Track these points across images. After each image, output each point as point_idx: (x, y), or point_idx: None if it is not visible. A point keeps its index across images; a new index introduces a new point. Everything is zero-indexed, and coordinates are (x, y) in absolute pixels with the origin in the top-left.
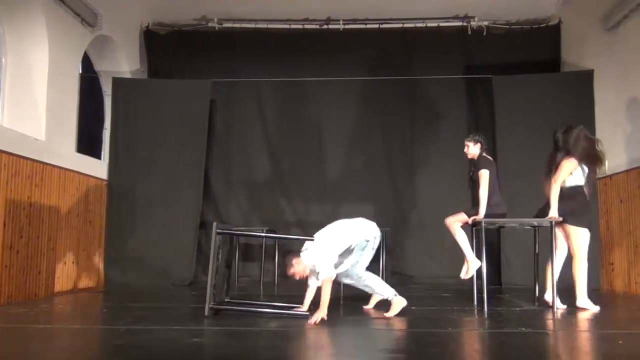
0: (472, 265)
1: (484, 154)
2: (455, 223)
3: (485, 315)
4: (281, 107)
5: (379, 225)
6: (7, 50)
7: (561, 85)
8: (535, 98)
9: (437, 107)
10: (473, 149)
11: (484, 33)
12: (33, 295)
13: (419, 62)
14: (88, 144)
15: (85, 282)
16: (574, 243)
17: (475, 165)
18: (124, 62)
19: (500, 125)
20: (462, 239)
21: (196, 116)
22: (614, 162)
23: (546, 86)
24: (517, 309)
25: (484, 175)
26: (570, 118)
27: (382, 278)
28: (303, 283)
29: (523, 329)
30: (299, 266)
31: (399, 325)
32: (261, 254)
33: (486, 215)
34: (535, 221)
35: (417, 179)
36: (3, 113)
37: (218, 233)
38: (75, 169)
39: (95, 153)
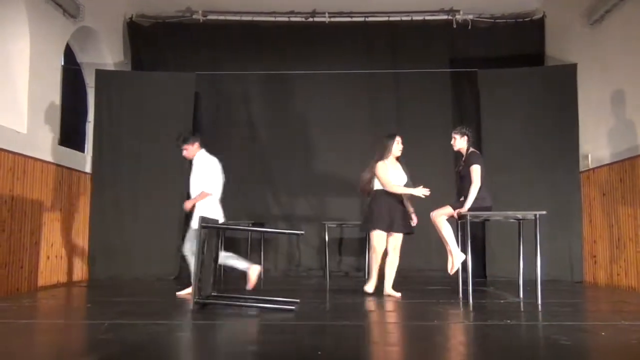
0: (457, 259)
1: (472, 148)
2: (441, 216)
3: (471, 308)
4: (267, 100)
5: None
6: None
7: (545, 78)
8: (520, 91)
9: (422, 100)
10: (460, 142)
11: (469, 26)
12: (15, 289)
13: (404, 55)
14: (71, 136)
15: (69, 277)
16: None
17: (464, 159)
18: (107, 54)
19: (485, 118)
20: (448, 233)
21: (181, 109)
22: (596, 155)
23: (530, 80)
24: (502, 301)
25: (476, 170)
26: (554, 111)
27: (368, 272)
28: (289, 277)
29: (508, 321)
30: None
31: (385, 318)
32: (247, 247)
33: (472, 209)
34: (520, 214)
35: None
36: None
37: (203, 227)
38: (58, 162)
39: (79, 146)
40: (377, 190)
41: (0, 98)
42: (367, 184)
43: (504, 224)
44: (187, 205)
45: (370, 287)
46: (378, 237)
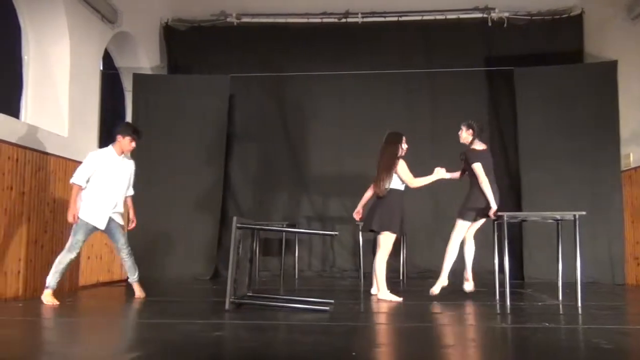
0: (441, 283)
1: (474, 144)
2: (459, 237)
3: (508, 310)
4: (300, 102)
5: None
6: (29, 47)
7: (584, 76)
8: (558, 89)
9: (457, 99)
10: (464, 135)
11: (505, 24)
12: (58, 289)
13: (438, 55)
14: (109, 139)
15: (108, 276)
16: None
17: (464, 154)
18: (144, 58)
19: (522, 117)
20: (452, 254)
21: (216, 111)
22: (639, 154)
23: (569, 78)
24: (540, 303)
25: (478, 168)
26: (593, 109)
27: (403, 272)
28: (323, 278)
29: (546, 324)
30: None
31: (420, 320)
32: (281, 248)
33: (477, 207)
34: (558, 214)
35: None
36: (27, 110)
37: (238, 227)
38: None
39: None
40: (392, 190)
41: (42, 103)
42: (384, 185)
43: (541, 224)
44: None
45: (375, 289)
46: (392, 239)
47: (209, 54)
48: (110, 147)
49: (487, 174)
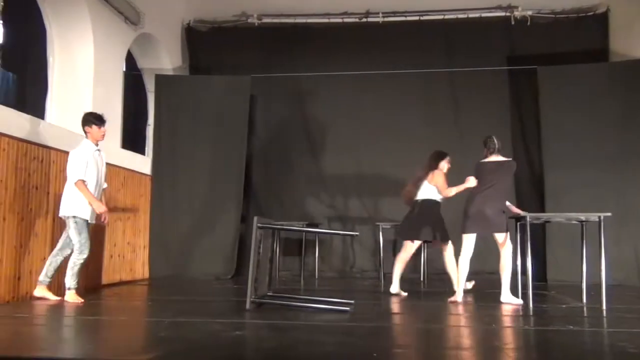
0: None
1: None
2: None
3: (531, 312)
4: (321, 102)
5: None
6: (54, 49)
7: (610, 75)
8: (583, 89)
9: (479, 99)
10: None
11: (528, 23)
12: (81, 287)
13: (460, 54)
14: (132, 140)
15: (130, 275)
16: None
17: None
18: (166, 59)
19: (546, 117)
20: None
21: (237, 112)
22: None
23: (594, 77)
24: (564, 306)
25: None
26: (619, 109)
27: (424, 272)
28: (343, 278)
29: (571, 326)
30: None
31: (442, 321)
32: (302, 248)
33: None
34: (583, 215)
35: (460, 174)
36: (52, 111)
37: (259, 227)
38: (120, 165)
39: (140, 149)
40: (425, 200)
41: (66, 103)
42: (412, 195)
43: (565, 226)
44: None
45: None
46: (411, 245)
47: (230, 54)
48: (84, 141)
49: (481, 183)
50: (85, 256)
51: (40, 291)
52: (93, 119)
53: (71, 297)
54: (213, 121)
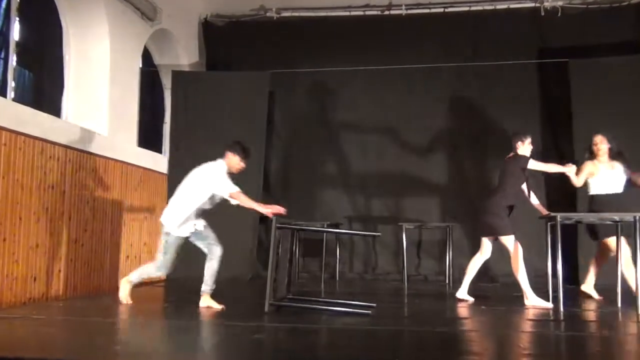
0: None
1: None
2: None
3: (562, 317)
4: (342, 98)
5: (444, 219)
6: (70, 46)
7: None
8: (617, 82)
9: (508, 94)
10: None
11: (559, 14)
12: (97, 288)
13: (487, 47)
14: (149, 138)
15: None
16: None
17: None
18: (183, 55)
19: (578, 112)
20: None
21: (255, 108)
22: None
23: (628, 70)
24: (597, 310)
25: None
26: None
27: (449, 274)
28: (365, 280)
29: (604, 331)
30: None
31: (468, 325)
32: (322, 249)
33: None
34: (617, 216)
35: (487, 171)
36: (68, 109)
37: (278, 227)
38: (136, 163)
39: (156, 147)
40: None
41: (82, 101)
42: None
43: (598, 226)
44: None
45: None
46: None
47: (249, 49)
48: (220, 161)
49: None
50: (158, 274)
51: (205, 301)
52: (240, 150)
53: (124, 287)
54: (231, 118)
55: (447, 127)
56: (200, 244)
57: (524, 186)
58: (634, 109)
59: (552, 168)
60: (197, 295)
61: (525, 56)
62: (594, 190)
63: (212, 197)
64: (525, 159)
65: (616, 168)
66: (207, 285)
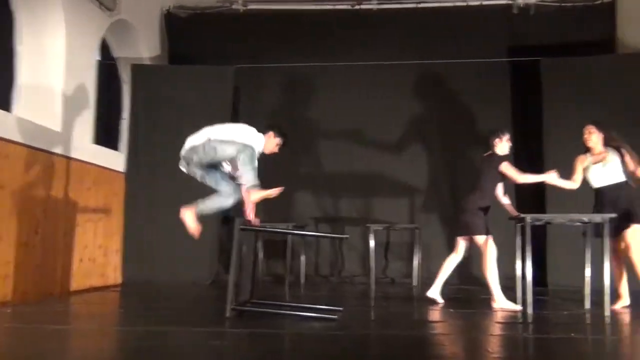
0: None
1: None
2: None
3: (530, 319)
4: (310, 94)
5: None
6: (22, 37)
7: (617, 68)
8: (589, 82)
9: (478, 92)
10: None
11: (531, 12)
12: (48, 293)
13: (459, 44)
14: (106, 134)
15: (102, 280)
16: None
17: None
18: (143, 47)
19: (548, 112)
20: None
21: (219, 104)
22: None
23: (600, 69)
24: (565, 312)
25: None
26: (627, 104)
27: (417, 277)
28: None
29: (572, 334)
30: None
31: (436, 328)
32: (287, 251)
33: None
34: (586, 217)
35: (455, 171)
36: (18, 103)
37: (241, 229)
38: (92, 161)
39: (113, 144)
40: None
41: (35, 95)
42: None
43: (568, 228)
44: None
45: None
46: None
47: (213, 43)
48: (262, 136)
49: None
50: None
51: (187, 214)
52: (282, 135)
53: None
54: (194, 114)
55: (418, 126)
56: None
57: (500, 185)
58: (605, 108)
59: (527, 179)
60: (155, 300)
61: (498, 54)
62: (593, 185)
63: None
64: (498, 160)
65: (609, 158)
66: (201, 202)
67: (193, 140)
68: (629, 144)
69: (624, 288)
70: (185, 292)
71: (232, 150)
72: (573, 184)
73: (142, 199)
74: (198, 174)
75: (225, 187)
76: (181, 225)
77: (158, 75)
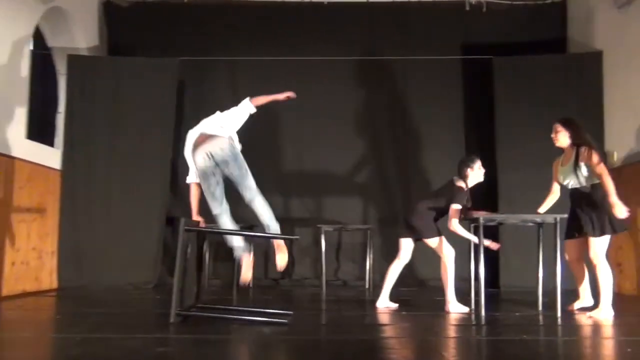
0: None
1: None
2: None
3: (483, 321)
4: (257, 90)
5: (365, 221)
6: None
7: (568, 67)
8: (540, 81)
9: (430, 90)
10: None
11: (484, 9)
12: None
13: (411, 41)
14: (40, 129)
15: (36, 285)
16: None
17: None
18: (80, 37)
19: (500, 111)
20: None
21: (162, 99)
22: (623, 152)
23: (551, 68)
24: (517, 314)
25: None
26: (577, 103)
27: (369, 279)
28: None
29: (524, 336)
30: None
31: (387, 332)
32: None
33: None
34: (539, 217)
35: (408, 170)
36: None
37: (186, 230)
38: (25, 158)
39: (48, 140)
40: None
41: None
42: None
43: (520, 228)
44: None
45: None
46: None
47: (155, 34)
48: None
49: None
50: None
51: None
52: None
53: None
54: (135, 109)
55: (368, 124)
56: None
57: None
58: (557, 107)
59: (457, 230)
60: (94, 305)
61: (451, 52)
62: (566, 186)
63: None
64: (455, 198)
65: (572, 159)
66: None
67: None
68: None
69: (586, 288)
70: (126, 297)
71: (254, 183)
72: (552, 196)
73: (79, 198)
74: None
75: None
76: (122, 225)
77: (96, 66)
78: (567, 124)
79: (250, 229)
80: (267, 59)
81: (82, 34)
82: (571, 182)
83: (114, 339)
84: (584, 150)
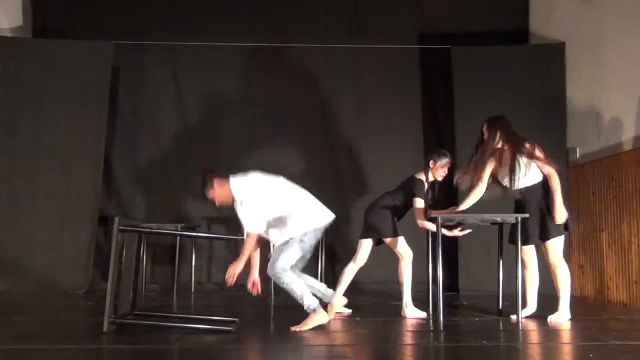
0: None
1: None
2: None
3: (441, 327)
4: (199, 77)
5: None
6: None
7: (529, 58)
8: (500, 73)
9: (387, 81)
10: None
11: None
12: None
13: (366, 29)
14: None
15: None
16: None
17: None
18: (2, 17)
19: (459, 103)
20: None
21: (94, 85)
22: (586, 148)
23: (512, 59)
24: (477, 319)
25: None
26: (538, 96)
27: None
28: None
29: (484, 342)
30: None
31: (340, 339)
32: (175, 256)
33: None
34: (499, 217)
35: (362, 166)
36: None
37: (121, 230)
38: None
39: None
40: None
41: None
42: None
43: (479, 228)
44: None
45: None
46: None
47: (87, 15)
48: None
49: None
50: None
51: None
52: None
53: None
54: (64, 96)
55: (321, 115)
56: None
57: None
58: (517, 99)
59: (424, 225)
60: (17, 313)
61: (407, 41)
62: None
63: None
64: (417, 192)
65: (509, 158)
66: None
67: None
68: (531, 137)
69: (532, 295)
70: (54, 304)
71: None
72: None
73: (1, 196)
74: None
75: None
76: (49, 224)
77: (20, 50)
78: (492, 125)
79: (193, 229)
80: (209, 44)
81: (3, 14)
82: (514, 182)
83: (40, 350)
84: (529, 146)
